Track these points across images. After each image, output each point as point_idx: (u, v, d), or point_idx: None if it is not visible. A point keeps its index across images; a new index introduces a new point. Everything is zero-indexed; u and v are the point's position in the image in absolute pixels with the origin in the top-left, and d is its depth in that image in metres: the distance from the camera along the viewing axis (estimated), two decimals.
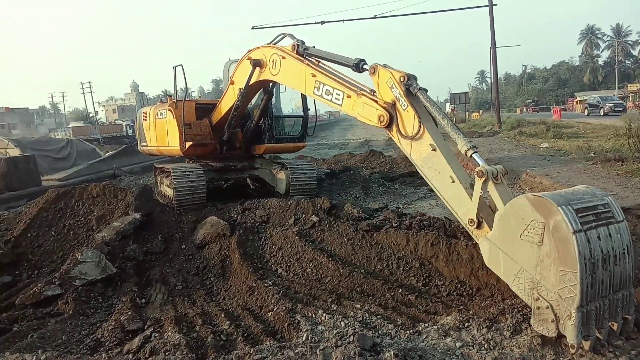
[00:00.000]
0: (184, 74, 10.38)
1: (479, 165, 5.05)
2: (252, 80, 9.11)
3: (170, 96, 11.61)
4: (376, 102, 6.27)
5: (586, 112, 48.31)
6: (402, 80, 5.90)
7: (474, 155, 5.24)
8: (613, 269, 4.23)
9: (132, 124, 54.73)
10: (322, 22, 31.55)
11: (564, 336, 4.13)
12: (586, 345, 4.12)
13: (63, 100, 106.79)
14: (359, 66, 6.89)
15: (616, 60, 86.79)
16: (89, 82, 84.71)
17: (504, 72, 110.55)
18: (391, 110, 6.08)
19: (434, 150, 5.63)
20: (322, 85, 7.24)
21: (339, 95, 6.93)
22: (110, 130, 65.75)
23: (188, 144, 10.60)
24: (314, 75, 7.39)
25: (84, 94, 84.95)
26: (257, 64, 8.83)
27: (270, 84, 10.25)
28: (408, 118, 5.90)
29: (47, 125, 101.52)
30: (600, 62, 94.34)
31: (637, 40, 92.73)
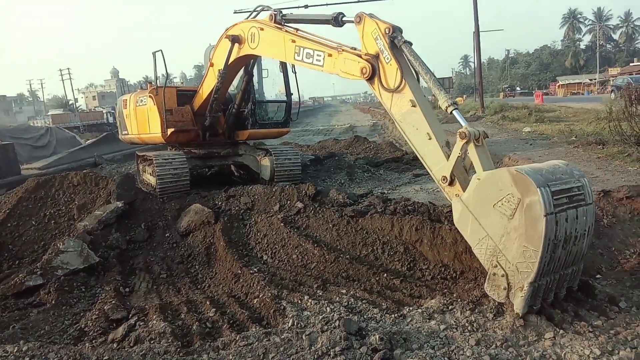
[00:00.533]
0: (164, 60, 10.20)
1: (460, 124, 5.19)
2: (232, 58, 9.02)
3: (151, 83, 11.41)
4: (359, 56, 6.24)
5: (612, 95, 34.06)
6: (387, 32, 5.85)
7: (454, 112, 5.40)
8: (571, 248, 4.46)
9: (113, 111, 53.77)
10: (305, 6, 31.18)
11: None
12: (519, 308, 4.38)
13: (42, 88, 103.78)
14: (338, 19, 6.88)
15: (597, 45, 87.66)
16: (68, 69, 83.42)
17: (487, 57, 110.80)
18: (374, 62, 6.04)
19: (414, 106, 5.70)
20: (302, 49, 7.18)
21: (320, 55, 6.89)
22: (91, 117, 64.59)
23: (170, 131, 10.46)
24: (293, 41, 7.35)
25: (62, 80, 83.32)
26: (235, 40, 8.77)
27: (250, 64, 10.16)
28: (391, 71, 5.89)
29: (25, 113, 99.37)
30: (582, 47, 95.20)
31: (618, 24, 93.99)
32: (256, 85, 12.01)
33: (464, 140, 4.99)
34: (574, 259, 4.58)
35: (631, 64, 69.64)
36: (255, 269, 6.62)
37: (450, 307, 4.99)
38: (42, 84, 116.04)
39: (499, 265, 4.50)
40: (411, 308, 5.14)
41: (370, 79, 6.13)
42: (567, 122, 18.08)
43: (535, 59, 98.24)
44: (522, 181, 4.27)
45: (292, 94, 11.69)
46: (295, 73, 11.38)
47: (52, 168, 20.22)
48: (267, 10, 8.33)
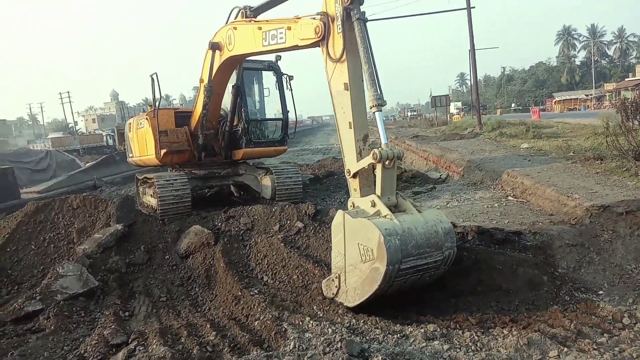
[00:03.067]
0: (158, 83, 10.26)
1: (380, 137, 5.49)
2: (215, 67, 9.17)
3: (151, 105, 11.51)
4: (314, 18, 6.22)
5: None
6: (345, 0, 5.74)
7: (376, 114, 5.64)
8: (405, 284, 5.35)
9: (112, 134, 53.99)
10: None
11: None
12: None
13: (42, 111, 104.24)
14: None
15: (592, 61, 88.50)
16: (68, 92, 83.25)
17: (483, 74, 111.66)
18: (328, 22, 5.98)
19: (346, 90, 5.78)
20: (267, 33, 7.29)
21: (281, 32, 6.97)
22: (90, 140, 64.79)
23: (163, 152, 10.52)
24: (259, 28, 7.47)
25: (62, 104, 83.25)
26: (215, 47, 8.94)
27: (238, 78, 10.30)
28: (338, 42, 5.87)
29: (26, 136, 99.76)
30: (577, 63, 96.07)
31: (612, 40, 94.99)
32: (257, 105, 12.06)
33: (375, 160, 5.31)
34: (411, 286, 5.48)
35: (626, 79, 70.27)
36: (255, 291, 6.57)
37: (453, 327, 4.95)
38: (42, 107, 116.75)
39: (338, 278, 5.54)
40: (414, 328, 5.08)
41: (322, 40, 6.06)
42: (564, 137, 18.13)
43: (531, 75, 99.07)
44: (381, 250, 4.94)
45: (288, 111, 11.73)
46: (291, 90, 11.46)
47: (52, 191, 20.20)
48: (239, 8, 8.60)
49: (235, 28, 8.33)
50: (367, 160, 5.48)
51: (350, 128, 5.79)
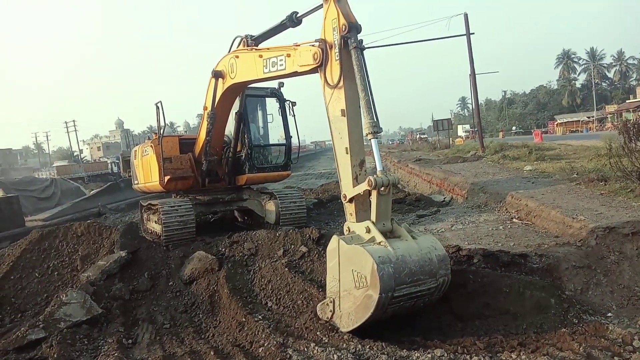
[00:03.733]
0: (162, 111, 10.44)
1: (376, 165, 5.54)
2: (218, 94, 9.29)
3: (156, 133, 11.64)
4: (313, 45, 6.28)
5: None
6: (343, 29, 5.82)
7: (372, 140, 5.70)
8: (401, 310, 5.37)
9: (117, 161, 54.36)
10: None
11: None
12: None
13: (47, 140, 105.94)
14: (292, 18, 7.17)
15: (593, 83, 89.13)
16: (74, 121, 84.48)
17: (484, 98, 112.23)
18: (327, 50, 6.04)
19: (343, 116, 5.85)
20: (268, 60, 7.38)
21: (281, 59, 7.04)
22: (95, 167, 65.26)
23: (166, 178, 10.61)
24: (260, 56, 7.58)
25: (68, 132, 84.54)
26: (218, 75, 9.09)
27: (241, 106, 10.42)
28: (335, 69, 5.93)
29: (31, 165, 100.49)
30: (578, 85, 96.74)
31: (612, 63, 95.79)
32: (261, 130, 12.17)
33: (370, 187, 5.36)
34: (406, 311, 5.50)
35: (627, 101, 70.62)
36: (259, 316, 6.51)
37: (460, 351, 4.87)
38: (47, 136, 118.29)
39: (333, 302, 5.62)
40: (421, 354, 5.01)
41: (320, 66, 6.14)
42: (567, 159, 18.12)
43: (532, 98, 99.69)
44: (374, 278, 4.99)
45: (291, 136, 11.82)
46: (294, 116, 11.57)
47: (57, 219, 20.26)
48: (240, 37, 8.75)
49: (237, 56, 8.49)
50: (363, 186, 5.54)
51: (347, 153, 5.88)
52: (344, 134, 5.88)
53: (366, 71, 5.77)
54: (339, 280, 5.53)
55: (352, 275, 5.32)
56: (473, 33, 29.47)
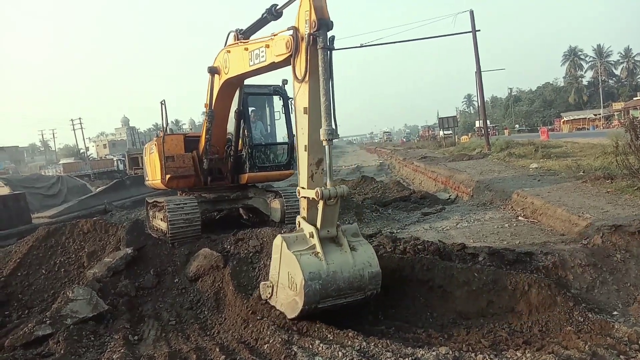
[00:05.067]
0: (165, 110, 10.47)
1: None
2: (215, 91, 9.27)
3: (162, 131, 11.68)
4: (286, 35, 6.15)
5: None
6: (313, 25, 5.59)
7: (326, 147, 5.71)
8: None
9: (123, 159, 54.60)
10: None
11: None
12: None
13: (53, 137, 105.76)
14: (271, 11, 7.13)
15: (600, 80, 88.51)
16: (80, 119, 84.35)
17: (490, 96, 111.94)
18: (298, 39, 5.88)
19: (305, 113, 5.84)
20: (252, 53, 7.31)
21: (262, 50, 6.93)
22: (101, 165, 65.56)
23: (167, 177, 10.64)
24: (246, 49, 7.54)
25: (74, 130, 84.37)
26: (214, 71, 9.09)
27: (239, 102, 10.39)
28: (302, 63, 5.80)
29: (37, 162, 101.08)
30: (585, 82, 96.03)
31: (619, 60, 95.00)
32: (262, 129, 12.15)
33: (317, 198, 5.53)
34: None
35: (634, 98, 70.09)
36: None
37: (465, 349, 4.87)
38: (54, 134, 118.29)
39: (272, 287, 6.17)
40: (425, 351, 5.01)
41: (291, 56, 5.99)
42: (574, 157, 18.04)
43: (539, 96, 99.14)
44: (301, 292, 5.39)
45: (294, 135, 11.77)
46: None
47: (63, 216, 20.34)
48: (232, 32, 8.68)
49: (228, 51, 8.47)
50: (311, 193, 5.70)
51: (305, 151, 5.90)
52: (305, 131, 5.87)
53: (331, 72, 5.61)
54: (278, 274, 5.98)
55: (287, 276, 5.74)
56: (479, 30, 29.40)
